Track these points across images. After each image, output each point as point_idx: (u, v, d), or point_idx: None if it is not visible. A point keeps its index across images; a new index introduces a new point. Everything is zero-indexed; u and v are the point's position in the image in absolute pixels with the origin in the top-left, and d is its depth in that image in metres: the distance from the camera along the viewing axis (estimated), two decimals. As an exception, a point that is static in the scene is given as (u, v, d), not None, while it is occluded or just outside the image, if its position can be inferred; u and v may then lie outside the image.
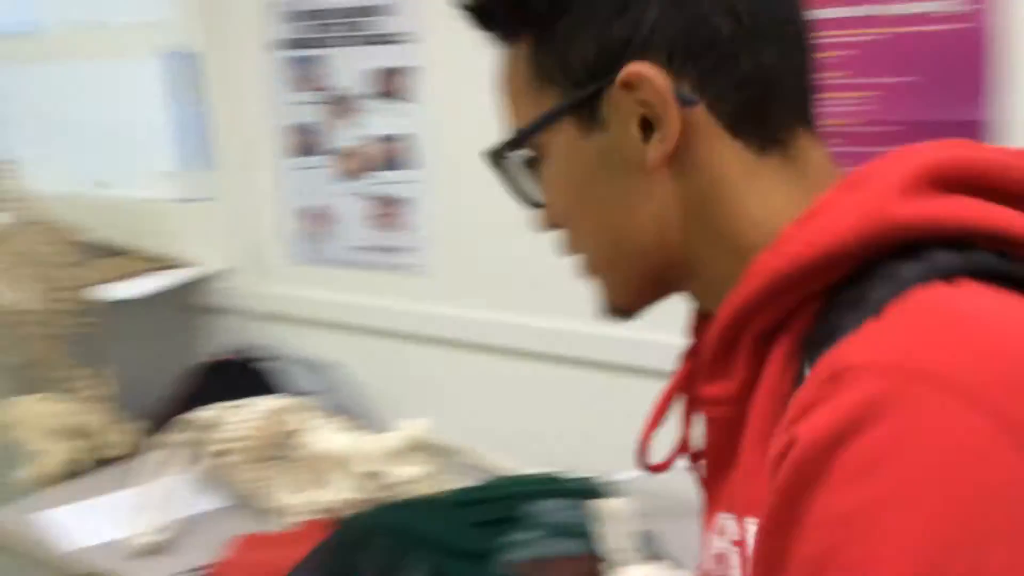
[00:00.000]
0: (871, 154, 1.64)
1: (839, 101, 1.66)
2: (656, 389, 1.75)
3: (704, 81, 0.64)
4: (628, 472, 1.65)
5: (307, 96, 2.27)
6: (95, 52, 2.61)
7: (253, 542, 1.61)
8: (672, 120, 0.63)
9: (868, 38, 1.63)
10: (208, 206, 2.49)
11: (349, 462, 1.66)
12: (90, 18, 2.59)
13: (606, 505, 1.51)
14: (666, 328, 1.73)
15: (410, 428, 1.66)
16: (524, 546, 1.42)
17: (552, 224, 0.80)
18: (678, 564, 1.45)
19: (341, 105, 2.22)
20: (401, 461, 1.63)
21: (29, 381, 2.09)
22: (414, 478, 1.64)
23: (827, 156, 0.70)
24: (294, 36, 2.25)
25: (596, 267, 0.78)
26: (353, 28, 2.17)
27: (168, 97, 2.46)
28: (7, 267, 2.06)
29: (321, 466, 1.68)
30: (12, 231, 2.12)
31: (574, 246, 0.78)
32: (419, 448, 1.65)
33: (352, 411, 2.18)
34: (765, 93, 0.65)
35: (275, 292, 2.42)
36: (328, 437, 1.70)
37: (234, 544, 1.60)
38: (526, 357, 2.07)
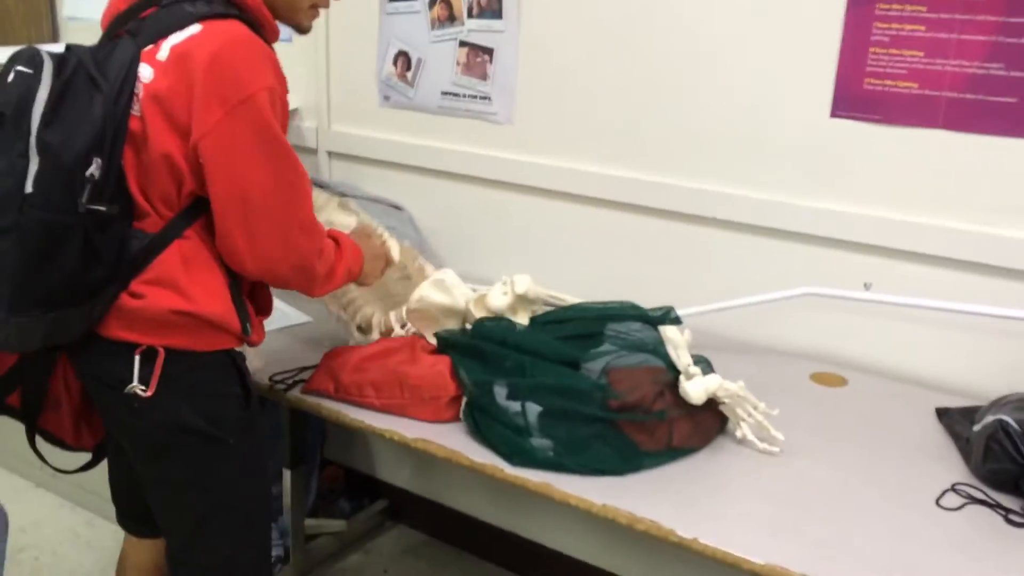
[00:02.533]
0: (955, 21, 1.68)
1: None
2: (711, 236, 1.90)
3: None
4: (686, 308, 1.81)
5: (406, -60, 2.31)
6: None
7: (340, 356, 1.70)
8: None
9: None
10: (289, 46, 2.52)
11: (465, 314, 1.72)
12: None
13: (671, 330, 1.66)
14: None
15: (518, 284, 1.70)
16: (609, 356, 1.53)
17: None
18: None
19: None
20: (509, 312, 1.69)
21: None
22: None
23: None
24: None
25: None
26: None
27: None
28: None
29: (431, 312, 1.73)
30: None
31: None
32: (525, 302, 1.71)
33: (424, 249, 2.31)
34: None
35: (361, 133, 2.50)
36: (442, 288, 1.72)
37: (329, 356, 1.71)
38: (593, 203, 2.17)
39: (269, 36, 1.48)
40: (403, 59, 2.40)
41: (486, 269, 2.14)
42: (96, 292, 1.35)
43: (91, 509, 2.67)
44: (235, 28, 1.36)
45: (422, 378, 1.60)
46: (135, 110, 1.34)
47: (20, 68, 1.30)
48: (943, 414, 1.68)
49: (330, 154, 2.56)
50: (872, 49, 1.78)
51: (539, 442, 1.45)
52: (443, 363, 1.63)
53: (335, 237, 1.53)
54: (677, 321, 1.65)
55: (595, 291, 2.11)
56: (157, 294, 1.38)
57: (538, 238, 2.28)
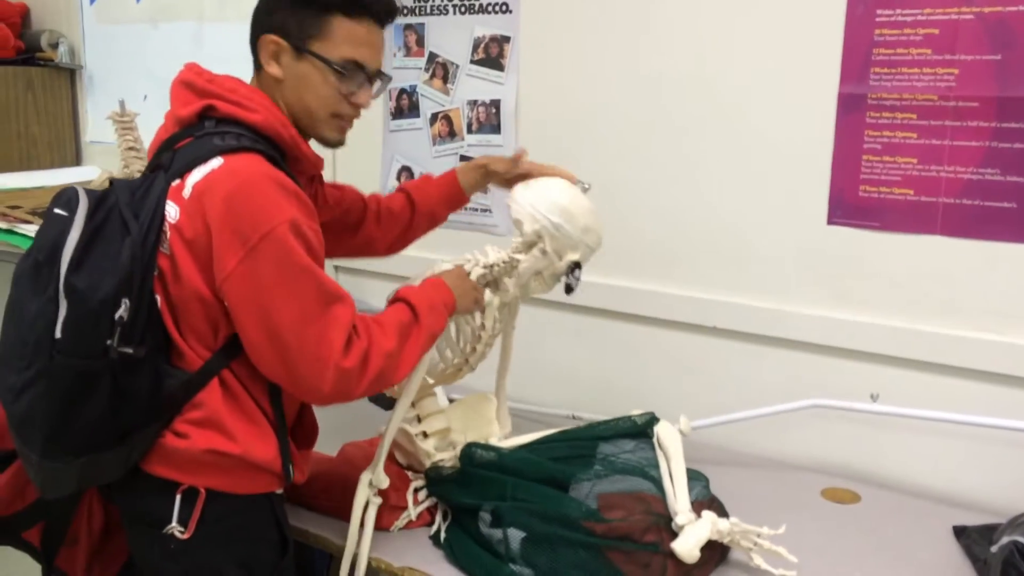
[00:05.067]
0: (947, 128, 1.68)
1: (919, 77, 1.67)
2: (713, 346, 1.85)
3: None
4: (690, 422, 1.75)
5: (411, 61, 2.36)
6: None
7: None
8: None
9: (951, 17, 1.63)
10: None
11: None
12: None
13: (666, 438, 1.60)
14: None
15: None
16: (598, 480, 1.48)
17: None
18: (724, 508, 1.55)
19: (441, 70, 2.31)
20: None
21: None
22: None
23: None
24: (403, 3, 2.37)
25: None
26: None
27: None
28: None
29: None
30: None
31: None
32: None
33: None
34: None
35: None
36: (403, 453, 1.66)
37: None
38: (594, 313, 2.14)
39: (307, 168, 1.45)
40: (406, 174, 2.44)
41: (479, 381, 2.10)
42: (130, 434, 1.32)
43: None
44: (254, 164, 1.32)
45: None
46: (164, 248, 1.32)
47: (57, 211, 1.30)
48: (960, 533, 1.59)
49: (336, 268, 2.58)
50: (865, 157, 1.76)
51: (519, 569, 1.39)
52: (392, 472, 1.58)
53: (413, 305, 1.42)
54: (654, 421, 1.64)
55: (594, 403, 2.08)
56: (202, 435, 1.34)
57: (536, 348, 2.25)
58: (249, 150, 1.33)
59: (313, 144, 1.48)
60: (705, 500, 1.51)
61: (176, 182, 1.33)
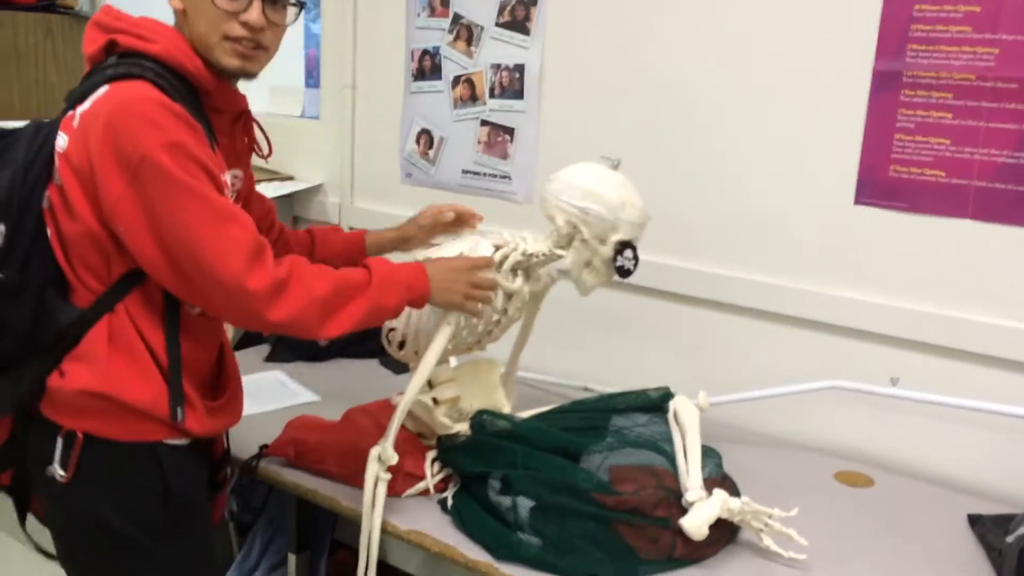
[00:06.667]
0: (983, 109, 1.64)
1: (957, 55, 1.63)
2: (733, 323, 1.80)
3: None
4: (701, 394, 1.73)
5: (435, 22, 2.32)
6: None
7: (305, 423, 1.71)
8: None
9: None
10: (316, 124, 2.55)
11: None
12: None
13: (683, 412, 1.57)
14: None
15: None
16: (610, 452, 1.46)
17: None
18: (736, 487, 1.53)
19: (465, 32, 2.27)
20: None
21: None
22: None
23: None
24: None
25: None
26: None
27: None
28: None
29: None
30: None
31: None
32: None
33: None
34: None
35: (383, 210, 2.51)
36: (426, 410, 1.61)
37: (290, 425, 1.71)
38: (611, 287, 2.04)
39: (222, 104, 1.41)
40: (425, 137, 2.40)
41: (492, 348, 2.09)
42: (13, 365, 1.32)
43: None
44: (138, 88, 1.28)
45: None
46: (55, 179, 1.33)
47: None
48: (975, 521, 1.57)
49: (352, 229, 2.55)
50: (897, 136, 1.72)
51: (527, 538, 1.38)
52: (407, 438, 1.58)
53: (372, 272, 1.38)
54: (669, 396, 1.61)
55: (608, 376, 2.06)
56: (76, 372, 1.32)
57: (551, 322, 2.22)
58: (137, 77, 1.30)
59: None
60: (717, 478, 1.49)
61: (68, 113, 1.34)
